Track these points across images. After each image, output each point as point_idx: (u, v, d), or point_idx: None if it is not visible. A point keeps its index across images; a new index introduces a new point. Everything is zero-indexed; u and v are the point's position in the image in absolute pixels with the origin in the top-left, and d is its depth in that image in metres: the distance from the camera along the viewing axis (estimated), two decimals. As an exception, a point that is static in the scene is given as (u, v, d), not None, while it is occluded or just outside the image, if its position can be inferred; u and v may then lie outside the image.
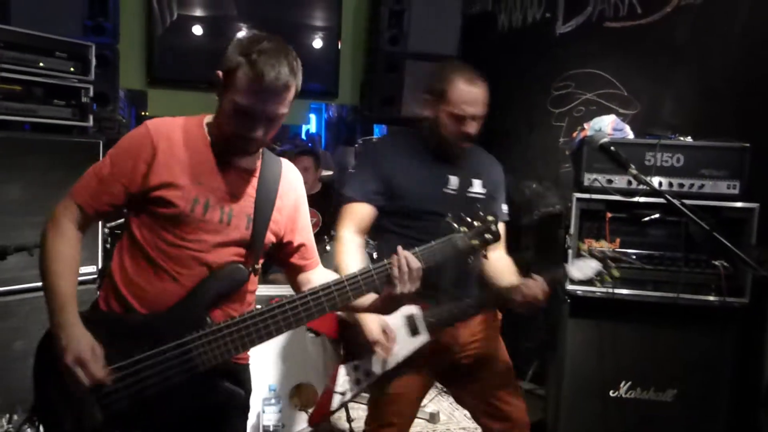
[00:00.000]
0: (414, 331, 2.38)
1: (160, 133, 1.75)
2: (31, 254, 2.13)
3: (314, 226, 4.09)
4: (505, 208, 2.65)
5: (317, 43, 5.05)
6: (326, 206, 4.55)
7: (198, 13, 4.72)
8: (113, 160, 1.75)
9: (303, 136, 8.87)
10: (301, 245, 1.96)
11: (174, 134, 1.76)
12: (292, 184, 1.93)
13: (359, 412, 4.06)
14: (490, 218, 1.92)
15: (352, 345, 2.41)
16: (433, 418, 3.96)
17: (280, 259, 1.98)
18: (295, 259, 1.97)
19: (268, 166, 1.88)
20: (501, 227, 2.50)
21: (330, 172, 5.41)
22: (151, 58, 4.49)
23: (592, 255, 2.43)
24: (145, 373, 1.65)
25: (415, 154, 2.49)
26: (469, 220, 1.90)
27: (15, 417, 2.94)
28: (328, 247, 4.08)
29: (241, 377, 1.86)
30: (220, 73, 1.71)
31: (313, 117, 9.28)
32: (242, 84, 1.65)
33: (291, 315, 1.72)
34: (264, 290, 3.66)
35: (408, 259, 1.76)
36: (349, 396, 2.41)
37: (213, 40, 4.78)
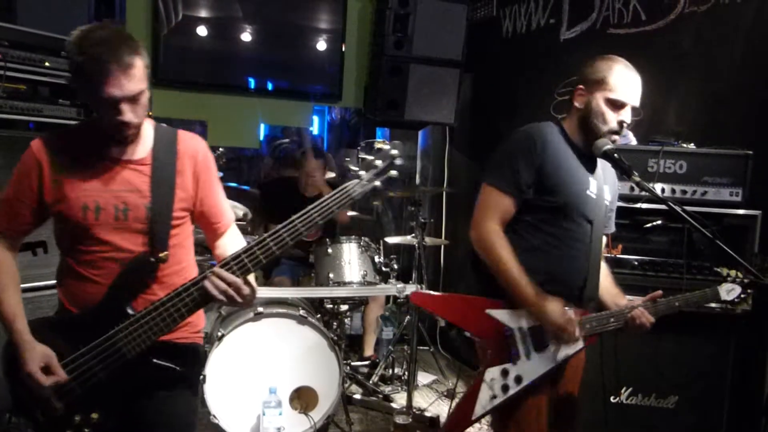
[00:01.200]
0: None
1: (42, 150, 1.87)
2: (35, 254, 2.17)
3: (319, 230, 4.08)
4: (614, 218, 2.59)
5: (321, 45, 5.05)
6: None
7: (203, 14, 4.73)
8: (13, 185, 1.91)
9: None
10: (202, 213, 2.05)
11: (58, 146, 1.89)
12: (190, 154, 2.00)
13: (359, 415, 4.06)
14: (393, 151, 1.85)
15: (501, 348, 2.26)
16: (433, 422, 3.95)
17: (194, 221, 2.09)
18: (203, 223, 2.09)
19: (161, 147, 1.96)
20: (604, 239, 2.52)
21: (332, 175, 5.40)
22: (156, 59, 4.49)
23: (740, 283, 2.44)
24: (86, 366, 1.84)
25: (564, 149, 2.35)
26: (368, 158, 1.85)
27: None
28: (329, 250, 4.08)
29: (176, 355, 1.96)
30: (71, 79, 1.85)
31: (316, 119, 9.27)
32: (95, 78, 1.74)
33: (193, 295, 1.83)
34: (265, 293, 3.67)
35: (221, 278, 1.81)
36: (495, 403, 2.23)
37: (217, 42, 4.79)
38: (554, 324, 2.19)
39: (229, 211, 2.15)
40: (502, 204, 2.27)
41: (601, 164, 2.43)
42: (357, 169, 1.83)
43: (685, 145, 3.10)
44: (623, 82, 2.26)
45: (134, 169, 1.92)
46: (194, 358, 2.09)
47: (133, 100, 1.79)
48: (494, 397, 2.21)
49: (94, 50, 1.74)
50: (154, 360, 1.90)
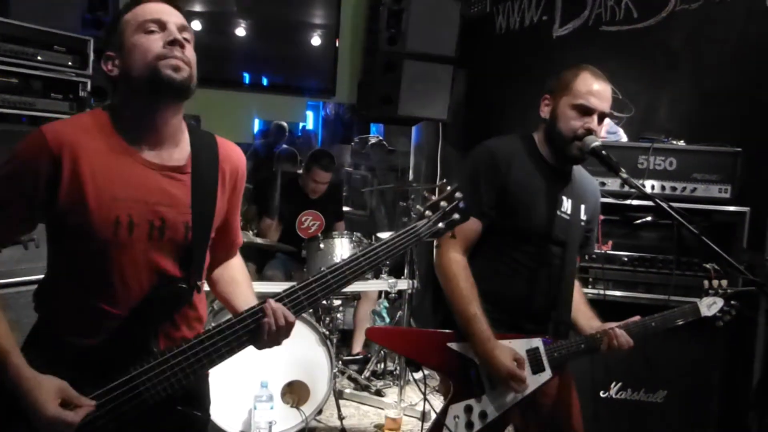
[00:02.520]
0: (538, 367, 2.18)
1: (62, 141, 1.47)
2: (26, 248, 2.12)
3: (317, 228, 4.08)
4: (595, 237, 2.49)
5: (315, 40, 5.05)
6: (330, 210, 4.56)
7: (197, 8, 4.71)
8: (5, 181, 1.50)
9: (299, 133, 8.86)
10: (227, 225, 1.76)
11: (79, 139, 1.49)
12: (231, 164, 1.70)
13: (350, 409, 4.08)
14: (456, 193, 1.74)
15: (464, 382, 2.14)
16: (424, 416, 3.97)
17: None
18: (220, 242, 1.74)
19: (201, 153, 1.63)
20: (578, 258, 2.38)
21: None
22: (150, 53, 4.48)
23: (723, 294, 2.39)
24: (96, 413, 1.45)
25: (531, 166, 2.22)
26: (433, 198, 1.74)
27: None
28: (321, 245, 4.09)
29: (197, 393, 1.67)
30: (110, 53, 1.55)
31: (310, 114, 9.27)
32: (134, 15, 1.54)
33: (241, 333, 1.54)
34: (258, 287, 3.67)
35: (284, 313, 1.54)
36: None
37: (212, 36, 4.78)
38: (502, 370, 2.06)
39: (240, 236, 1.88)
40: (466, 228, 2.05)
41: (579, 181, 2.32)
42: (422, 208, 1.74)
43: (674, 142, 3.12)
44: (588, 87, 2.14)
45: (173, 177, 1.57)
46: (207, 390, 1.76)
47: (182, 29, 1.55)
48: None
49: (132, 3, 1.57)
50: (180, 408, 1.58)
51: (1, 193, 1.50)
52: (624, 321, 2.28)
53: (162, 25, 1.53)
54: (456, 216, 1.74)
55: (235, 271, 1.85)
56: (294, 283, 1.59)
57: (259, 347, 1.58)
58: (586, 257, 3.02)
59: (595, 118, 2.15)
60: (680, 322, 2.36)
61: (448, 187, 1.75)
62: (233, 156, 1.72)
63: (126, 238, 1.50)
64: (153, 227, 1.52)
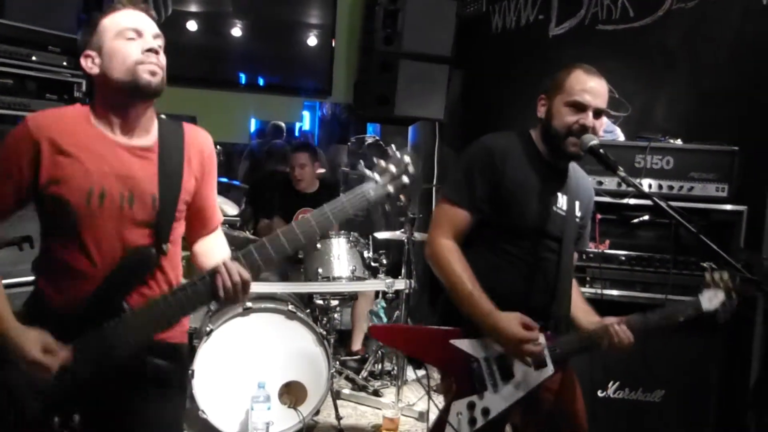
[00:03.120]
0: (540, 363, 2.15)
1: (41, 127, 1.71)
2: (21, 249, 2.12)
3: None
4: (588, 234, 2.48)
5: (312, 40, 5.05)
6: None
7: (193, 8, 4.71)
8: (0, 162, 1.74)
9: (296, 134, 8.86)
10: (200, 208, 1.95)
11: (57, 125, 1.73)
12: (196, 147, 1.89)
13: (348, 409, 4.07)
14: (405, 158, 1.80)
15: (466, 379, 2.14)
16: (422, 416, 3.97)
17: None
18: (196, 220, 1.96)
19: (167, 137, 1.85)
20: (575, 256, 2.38)
21: (322, 170, 5.40)
22: (145, 54, 4.47)
23: (723, 287, 2.28)
24: (72, 363, 1.67)
25: (528, 162, 2.23)
26: (383, 163, 1.79)
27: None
28: (318, 245, 4.08)
29: (170, 355, 1.87)
30: (90, 52, 1.75)
31: (306, 114, 9.27)
32: (116, 17, 1.76)
33: (201, 290, 1.73)
34: (254, 287, 3.66)
35: (231, 272, 1.70)
36: None
37: (207, 37, 4.78)
38: (511, 338, 2.04)
39: (219, 211, 2.06)
40: (455, 218, 2.18)
41: (575, 178, 2.32)
42: (370, 172, 1.78)
43: (672, 141, 3.12)
44: (582, 84, 2.15)
45: (141, 156, 1.79)
46: (184, 356, 2.00)
47: (156, 37, 1.77)
48: (463, 431, 2.11)
49: (110, 8, 1.79)
50: (145, 357, 1.79)
51: None
52: (623, 317, 2.26)
53: (139, 33, 1.75)
54: (405, 179, 1.80)
55: (211, 244, 2.03)
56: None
57: (220, 305, 1.69)
58: (584, 256, 3.02)
59: (590, 114, 2.15)
60: (682, 319, 2.29)
61: (397, 153, 1.82)
62: (198, 139, 1.92)
63: (97, 207, 1.72)
64: (123, 198, 1.74)
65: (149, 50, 1.73)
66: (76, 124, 1.76)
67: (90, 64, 1.75)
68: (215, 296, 1.73)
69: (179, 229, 1.89)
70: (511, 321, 2.06)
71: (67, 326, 1.70)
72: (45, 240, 1.82)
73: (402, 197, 1.86)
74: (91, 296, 1.72)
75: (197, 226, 1.99)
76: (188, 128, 1.92)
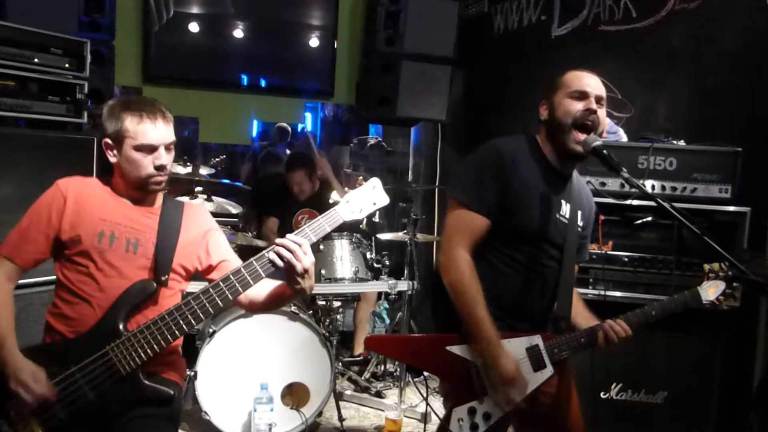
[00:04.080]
0: (539, 364, 2.16)
1: (69, 187, 2.09)
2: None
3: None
4: (588, 248, 2.48)
5: (313, 42, 5.04)
6: (322, 206, 4.53)
7: (195, 10, 4.71)
8: (31, 216, 2.08)
9: (298, 134, 8.86)
10: (221, 262, 2.22)
11: (81, 187, 2.11)
12: (194, 217, 2.24)
13: (350, 411, 4.07)
14: (372, 183, 2.07)
15: (466, 385, 2.13)
16: (424, 418, 3.96)
17: (210, 280, 2.19)
18: (219, 274, 2.14)
19: (169, 207, 2.21)
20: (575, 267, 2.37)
21: (323, 172, 5.39)
22: (147, 55, 4.47)
23: (724, 277, 2.29)
24: (76, 385, 1.90)
25: (535, 167, 2.21)
26: (354, 191, 2.06)
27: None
28: (321, 246, 4.07)
29: (168, 385, 2.07)
30: (107, 140, 2.09)
31: (308, 116, 9.26)
32: (138, 129, 2.04)
33: (196, 308, 1.96)
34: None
35: (289, 240, 1.92)
36: None
37: (209, 38, 4.76)
38: (505, 375, 2.05)
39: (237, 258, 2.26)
40: (473, 224, 2.14)
41: (577, 187, 2.32)
42: (342, 199, 2.05)
43: (675, 142, 3.11)
44: (579, 77, 2.18)
45: (146, 214, 2.15)
46: (179, 395, 2.14)
47: (168, 148, 2.08)
48: None
49: (136, 107, 2.06)
50: (147, 381, 1.97)
51: (27, 222, 2.07)
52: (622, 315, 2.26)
53: (154, 149, 2.06)
54: (375, 201, 2.07)
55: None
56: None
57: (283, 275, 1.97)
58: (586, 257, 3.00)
59: (593, 100, 2.15)
60: (681, 309, 2.28)
61: (364, 182, 2.08)
62: (197, 214, 2.27)
63: (107, 246, 2.06)
64: (129, 242, 2.09)
65: (159, 167, 2.07)
66: (95, 187, 2.15)
67: (109, 152, 2.11)
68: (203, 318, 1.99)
69: (180, 285, 2.20)
70: (510, 362, 2.07)
71: (73, 354, 1.93)
72: (60, 278, 2.08)
73: (375, 218, 2.12)
74: (95, 324, 1.98)
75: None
76: (188, 205, 2.28)
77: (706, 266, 2.36)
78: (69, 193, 2.07)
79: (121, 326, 1.96)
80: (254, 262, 1.96)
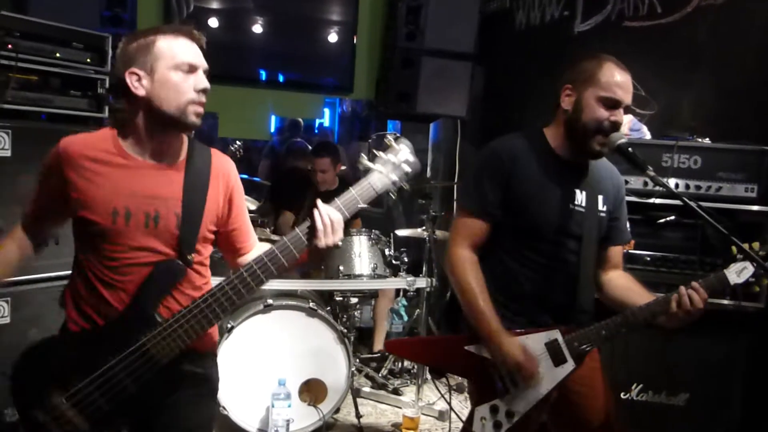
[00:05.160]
0: (559, 359, 2.12)
1: (69, 151, 1.82)
2: (46, 244, 2.15)
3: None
4: (628, 225, 2.40)
5: (333, 37, 5.04)
6: None
7: (214, 5, 4.72)
8: (40, 183, 1.91)
9: (316, 130, 8.86)
10: (233, 230, 2.02)
11: (85, 149, 1.82)
12: (222, 172, 1.96)
13: (368, 408, 4.06)
14: (404, 147, 1.86)
15: (487, 383, 2.13)
16: (442, 415, 3.95)
17: (217, 244, 2.04)
18: (230, 243, 2.04)
19: (196, 158, 1.91)
20: (618, 249, 2.34)
21: (343, 167, 5.39)
22: (168, 50, 4.49)
23: (749, 257, 2.09)
24: (117, 378, 1.77)
25: (538, 162, 2.19)
26: (383, 155, 1.86)
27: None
28: (339, 243, 4.06)
29: (204, 363, 1.97)
30: (138, 71, 1.76)
31: (327, 111, 9.27)
32: (172, 47, 1.77)
33: (231, 293, 1.79)
34: (275, 284, 3.66)
35: (329, 213, 1.79)
36: None
37: (229, 33, 4.78)
38: (510, 360, 2.04)
39: (254, 233, 2.12)
40: (472, 227, 2.18)
41: (596, 172, 2.27)
42: (372, 165, 1.84)
43: (699, 140, 3.06)
44: (615, 79, 2.10)
45: (167, 174, 1.86)
46: (215, 365, 2.08)
47: (206, 72, 1.81)
48: None
49: (167, 29, 1.81)
50: (186, 367, 1.87)
51: (36, 189, 1.92)
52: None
53: (194, 69, 1.78)
54: (405, 168, 1.86)
55: (257, 250, 2.07)
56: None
57: (316, 250, 1.82)
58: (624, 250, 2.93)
59: (621, 111, 2.11)
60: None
61: (395, 143, 1.87)
62: (224, 164, 1.98)
63: (123, 226, 1.80)
64: (148, 217, 1.81)
65: (202, 90, 1.79)
66: (103, 149, 1.83)
67: (136, 83, 1.76)
68: (313, 239, 1.79)
69: (205, 252, 1.97)
70: (516, 347, 2.06)
71: (106, 344, 1.79)
72: (79, 257, 1.90)
73: (406, 186, 1.91)
74: (125, 309, 1.82)
75: (235, 248, 2.06)
76: (216, 154, 1.99)
77: (734, 248, 2.16)
78: (71, 157, 1.81)
79: (154, 314, 1.80)
80: (299, 232, 1.81)
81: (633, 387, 3.02)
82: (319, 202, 1.80)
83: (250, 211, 4.82)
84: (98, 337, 1.82)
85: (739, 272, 2.12)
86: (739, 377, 2.93)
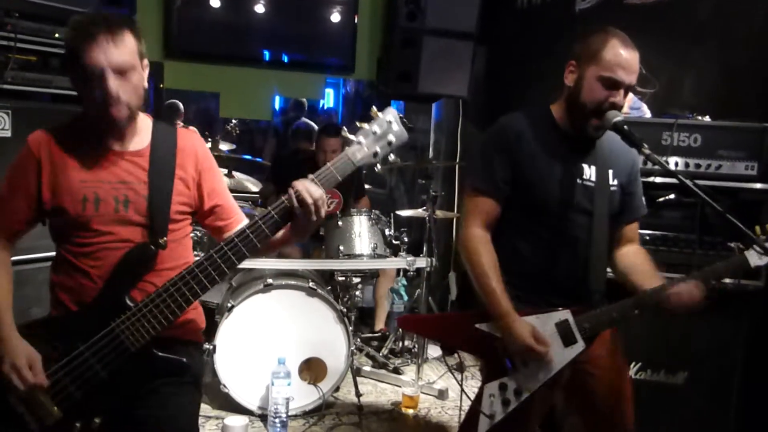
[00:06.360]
0: (569, 340, 2.11)
1: (39, 145, 1.86)
2: (44, 223, 2.17)
3: (336, 206, 4.07)
4: (643, 200, 2.37)
5: (335, 17, 5.00)
6: (348, 187, 4.52)
7: (217, -15, 4.69)
8: (8, 181, 1.89)
9: (320, 111, 8.85)
10: (214, 207, 2.01)
11: (53, 141, 1.87)
12: (189, 150, 1.97)
13: (368, 387, 4.09)
14: (388, 116, 1.81)
15: (497, 361, 2.11)
16: (441, 394, 3.97)
17: (201, 224, 2.05)
18: (213, 222, 2.03)
19: (160, 141, 1.94)
20: (633, 225, 2.32)
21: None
22: (168, 30, 4.47)
23: (751, 240, 2.07)
24: (87, 364, 1.77)
25: (545, 137, 2.18)
26: (366, 126, 1.81)
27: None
28: (339, 223, 4.07)
29: (183, 350, 1.94)
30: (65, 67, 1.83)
31: (330, 92, 9.25)
32: (82, 47, 1.73)
33: (201, 276, 1.79)
34: (275, 264, 3.68)
35: (308, 188, 1.76)
36: (497, 419, 2.09)
37: (230, 13, 4.75)
38: (520, 344, 2.03)
39: (238, 208, 2.10)
40: (483, 206, 2.17)
41: (607, 145, 2.23)
42: (354, 137, 1.81)
43: (699, 118, 3.04)
44: (618, 58, 2.06)
45: (132, 160, 1.90)
46: (198, 354, 2.07)
47: (120, 73, 1.76)
48: (495, 414, 2.08)
49: (84, 23, 1.78)
50: (157, 352, 1.83)
51: (6, 189, 1.89)
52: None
53: (100, 74, 1.74)
54: (390, 137, 1.81)
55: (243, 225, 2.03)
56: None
57: (298, 227, 1.83)
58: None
59: (622, 92, 2.09)
60: (729, 275, 2.18)
61: (380, 114, 1.82)
62: (189, 140, 2.00)
63: (93, 212, 1.84)
64: (117, 201, 1.86)
65: (108, 97, 1.77)
66: (73, 136, 1.90)
67: (76, 85, 1.84)
68: (292, 216, 1.78)
69: (181, 231, 1.98)
70: (525, 329, 2.05)
71: (78, 329, 1.80)
72: (57, 247, 1.94)
73: (392, 157, 1.87)
74: (97, 296, 1.83)
75: (219, 227, 2.04)
76: (181, 132, 2.01)
77: (758, 228, 2.14)
78: (42, 154, 1.85)
79: (125, 298, 1.81)
80: (272, 211, 1.80)
81: (632, 365, 3.02)
82: (295, 182, 1.79)
83: (252, 193, 4.85)
84: (70, 323, 1.84)
85: (760, 256, 2.11)
86: (739, 355, 2.94)
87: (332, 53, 5.13)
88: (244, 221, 2.05)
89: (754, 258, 2.12)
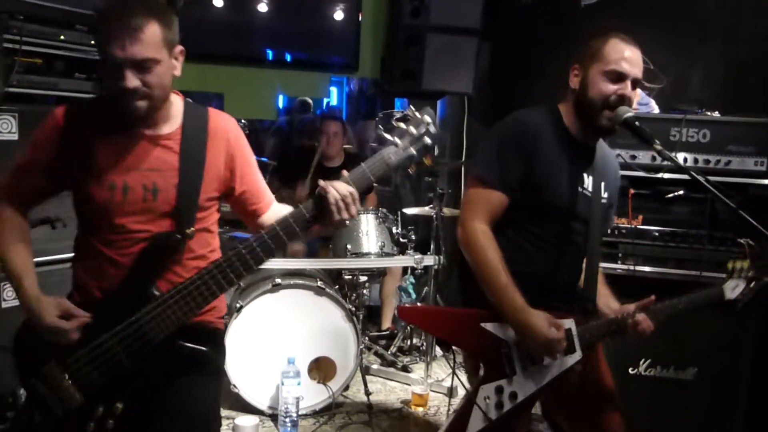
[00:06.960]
0: (569, 348, 2.12)
1: (67, 119, 1.81)
2: (54, 227, 2.15)
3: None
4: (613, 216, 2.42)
5: (338, 15, 4.99)
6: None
7: (219, -16, 4.68)
8: (30, 150, 1.85)
9: (324, 109, 8.84)
10: (243, 192, 1.98)
11: (83, 117, 1.83)
12: (221, 133, 1.92)
13: (377, 385, 4.09)
14: (426, 118, 1.78)
15: (495, 363, 2.10)
16: (451, 392, 3.97)
17: (231, 207, 2.04)
18: (243, 206, 2.02)
19: (191, 124, 1.88)
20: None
21: (349, 146, 5.38)
22: (172, 31, 4.47)
23: (744, 277, 2.34)
24: (111, 353, 1.76)
25: (557, 141, 2.16)
26: (403, 125, 1.77)
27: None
28: (347, 221, 4.07)
29: (206, 339, 1.90)
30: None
31: (334, 90, 9.23)
32: (103, 38, 1.71)
33: (228, 271, 1.76)
34: (283, 264, 3.68)
35: (336, 188, 1.72)
36: (489, 422, 2.08)
37: (234, 13, 4.74)
38: (541, 338, 2.00)
39: (268, 190, 2.07)
40: (491, 200, 2.11)
41: (601, 158, 2.25)
42: (390, 137, 1.77)
43: (708, 113, 3.03)
44: (619, 53, 2.07)
45: (163, 145, 1.85)
46: (220, 342, 2.04)
47: (139, 66, 1.70)
48: (488, 416, 2.06)
49: (108, 13, 1.73)
50: (181, 342, 1.81)
51: (24, 159, 1.85)
52: (640, 302, 2.19)
53: (117, 68, 1.69)
54: (427, 140, 1.78)
55: (275, 210, 2.05)
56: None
57: (326, 225, 1.78)
58: (615, 232, 2.97)
59: (629, 84, 2.09)
60: (705, 305, 2.33)
61: (417, 114, 1.79)
62: (221, 123, 1.94)
63: (121, 199, 1.80)
64: (146, 190, 1.81)
65: (129, 90, 1.72)
66: (102, 115, 1.82)
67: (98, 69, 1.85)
68: (323, 216, 1.74)
69: (209, 219, 1.95)
70: (542, 321, 2.02)
71: (103, 317, 1.78)
72: (80, 231, 1.92)
73: (426, 160, 1.85)
74: (121, 284, 1.80)
75: (248, 212, 2.04)
76: (213, 113, 1.95)
77: (729, 264, 2.38)
78: (68, 127, 1.81)
79: (151, 288, 1.78)
80: (302, 207, 1.76)
81: (641, 362, 3.02)
82: (321, 182, 1.74)
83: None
84: (95, 311, 1.80)
85: (732, 289, 2.34)
86: (748, 351, 2.94)
87: (336, 51, 5.11)
88: (274, 204, 2.06)
89: (728, 292, 2.33)
